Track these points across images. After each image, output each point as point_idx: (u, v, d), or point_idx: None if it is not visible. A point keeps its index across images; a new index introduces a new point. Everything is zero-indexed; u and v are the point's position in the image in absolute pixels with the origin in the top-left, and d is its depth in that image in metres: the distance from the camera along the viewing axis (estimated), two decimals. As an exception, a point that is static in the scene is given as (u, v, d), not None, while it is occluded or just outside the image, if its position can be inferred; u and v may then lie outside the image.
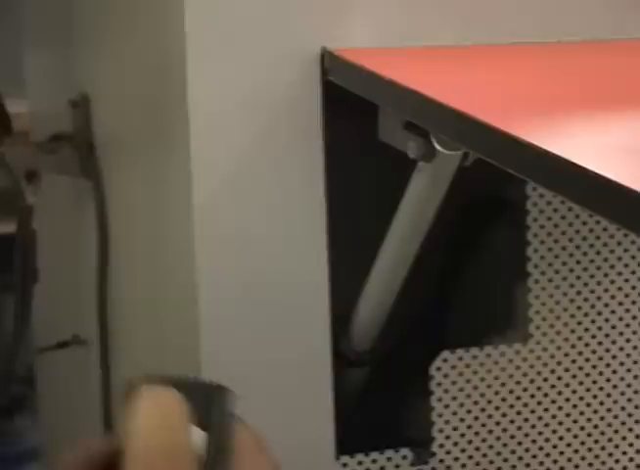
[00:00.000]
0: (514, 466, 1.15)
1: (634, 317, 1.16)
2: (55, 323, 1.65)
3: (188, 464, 0.67)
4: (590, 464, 1.17)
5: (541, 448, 1.15)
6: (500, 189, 1.13)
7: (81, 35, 1.41)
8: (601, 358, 1.16)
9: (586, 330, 1.15)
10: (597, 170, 0.61)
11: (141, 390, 0.70)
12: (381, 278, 1.09)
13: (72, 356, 1.53)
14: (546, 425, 1.15)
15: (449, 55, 1.06)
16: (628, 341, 1.16)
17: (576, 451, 1.17)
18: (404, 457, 1.12)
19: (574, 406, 1.16)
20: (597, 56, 1.10)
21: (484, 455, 1.14)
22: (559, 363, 1.15)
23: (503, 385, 1.13)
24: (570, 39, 1.11)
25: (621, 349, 1.16)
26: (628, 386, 1.17)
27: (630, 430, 1.18)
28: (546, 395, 1.15)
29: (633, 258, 1.15)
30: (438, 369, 1.12)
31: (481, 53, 1.08)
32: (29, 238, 1.51)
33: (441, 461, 1.13)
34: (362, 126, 1.03)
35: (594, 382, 1.16)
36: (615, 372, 1.16)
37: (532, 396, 1.14)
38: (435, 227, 1.06)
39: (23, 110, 1.72)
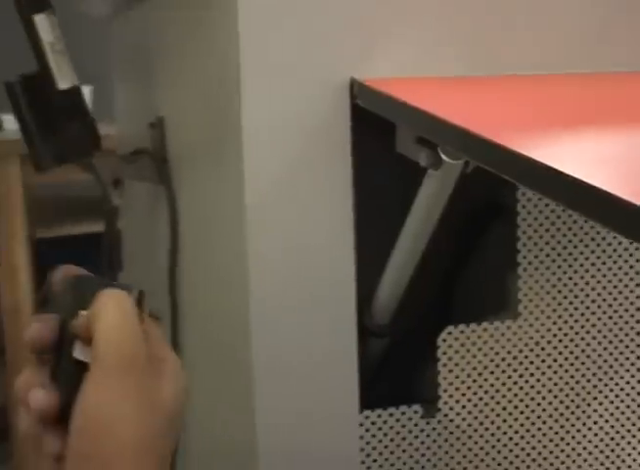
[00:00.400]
0: (504, 420, 1.15)
1: (602, 296, 1.16)
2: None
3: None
4: (567, 419, 1.17)
5: (527, 406, 1.16)
6: (495, 193, 1.13)
7: (157, 69, 1.42)
8: (577, 333, 1.16)
9: (565, 309, 1.15)
10: (575, 175, 0.62)
11: (100, 294, 0.71)
12: (397, 265, 1.11)
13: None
14: (532, 387, 1.15)
15: (459, 83, 1.06)
16: (599, 319, 1.16)
17: (556, 409, 1.17)
18: (415, 412, 1.12)
19: (555, 372, 1.16)
20: (596, 86, 1.09)
21: (480, 411, 1.14)
22: (542, 337, 1.15)
23: (497, 354, 1.14)
24: (572, 71, 1.11)
25: (594, 325, 1.16)
26: (599, 355, 1.17)
27: (600, 392, 1.18)
28: (532, 362, 1.15)
29: (609, 255, 1.15)
30: (444, 340, 1.12)
31: (488, 82, 1.07)
32: (115, 235, 1.51)
33: (445, 415, 1.13)
34: (383, 141, 1.04)
35: (571, 352, 1.16)
36: (588, 345, 1.16)
37: (521, 363, 1.15)
38: (442, 223, 1.07)
39: (112, 132, 1.73)
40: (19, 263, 2.09)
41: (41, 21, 1.28)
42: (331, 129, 1.04)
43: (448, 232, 1.11)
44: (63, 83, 1.29)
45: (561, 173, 0.64)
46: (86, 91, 2.22)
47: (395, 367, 1.18)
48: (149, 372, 0.69)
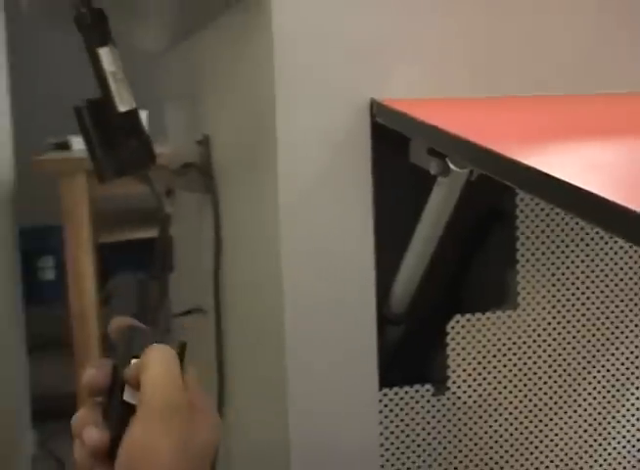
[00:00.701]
0: (505, 397, 1.14)
1: (591, 288, 1.15)
2: (184, 298, 1.66)
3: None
4: (560, 396, 1.16)
5: (525, 385, 1.15)
6: (497, 198, 1.12)
7: (204, 93, 1.42)
8: (569, 321, 1.15)
9: (559, 300, 1.14)
10: (567, 180, 0.62)
11: (149, 348, 0.73)
12: (412, 261, 1.11)
13: (195, 321, 1.54)
14: (529, 368, 1.15)
15: (465, 102, 1.05)
16: (588, 309, 1.15)
17: (550, 388, 1.16)
18: (428, 390, 1.12)
19: (549, 356, 1.15)
20: (592, 103, 1.09)
21: (485, 390, 1.14)
22: (538, 325, 1.14)
23: (499, 340, 1.13)
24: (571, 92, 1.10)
25: (583, 315, 1.15)
26: (588, 341, 1.16)
27: (589, 373, 1.17)
28: (529, 347, 1.14)
29: (596, 253, 1.14)
30: (453, 328, 1.12)
31: (492, 102, 1.07)
32: (167, 239, 1.52)
33: (454, 393, 1.12)
34: (399, 152, 1.04)
35: (564, 338, 1.15)
36: (579, 332, 1.15)
37: (519, 347, 1.14)
38: (450, 226, 1.06)
39: (165, 150, 1.74)
40: (85, 271, 2.10)
41: (105, 53, 1.29)
42: (354, 144, 1.04)
43: (456, 233, 1.10)
44: (122, 107, 1.30)
45: (554, 179, 0.64)
46: (143, 115, 2.22)
47: (410, 351, 1.18)
48: (187, 418, 0.71)
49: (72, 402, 2.28)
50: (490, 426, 1.14)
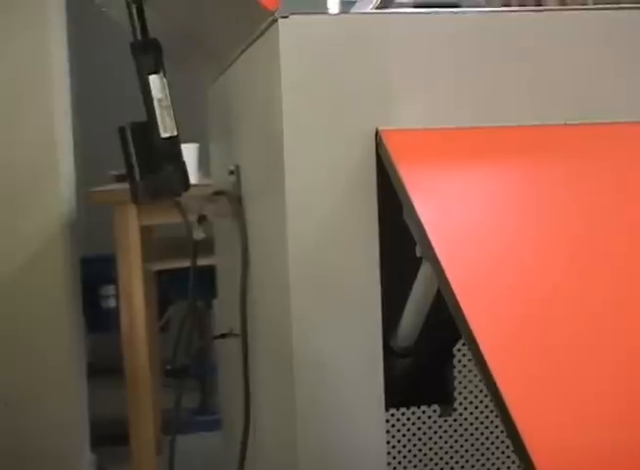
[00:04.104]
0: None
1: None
2: (225, 321, 1.72)
3: None
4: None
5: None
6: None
7: (236, 124, 1.49)
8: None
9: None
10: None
11: None
12: (419, 295, 1.13)
13: (227, 343, 1.59)
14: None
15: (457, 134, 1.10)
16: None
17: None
18: (434, 411, 1.16)
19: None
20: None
21: (491, 411, 1.17)
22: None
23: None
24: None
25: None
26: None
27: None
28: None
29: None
30: (459, 350, 1.15)
31: (489, 133, 1.11)
32: (195, 266, 1.57)
33: (460, 414, 1.16)
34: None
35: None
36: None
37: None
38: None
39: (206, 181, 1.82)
40: (135, 292, 2.20)
41: (154, 80, 1.39)
42: (360, 169, 1.08)
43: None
44: (164, 132, 1.39)
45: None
46: (194, 148, 2.32)
47: (417, 373, 1.22)
48: None
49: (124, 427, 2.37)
50: (497, 447, 1.18)
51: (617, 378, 0.78)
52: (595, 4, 1.32)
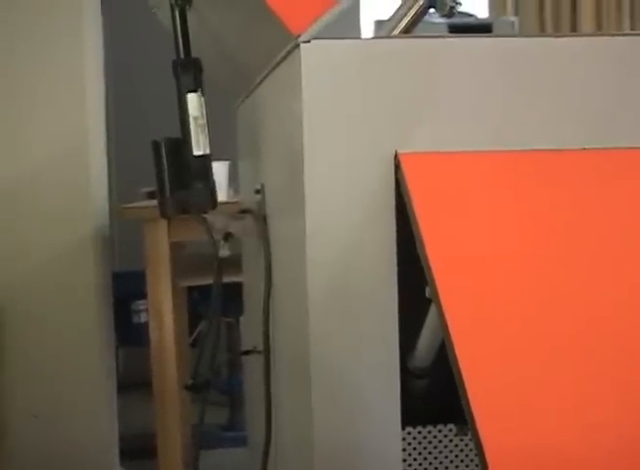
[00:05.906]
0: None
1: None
2: (252, 338, 1.74)
3: None
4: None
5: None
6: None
7: (262, 144, 1.52)
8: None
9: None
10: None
11: None
12: (435, 320, 1.12)
13: (252, 360, 1.61)
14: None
15: (476, 158, 1.12)
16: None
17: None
18: (450, 430, 1.17)
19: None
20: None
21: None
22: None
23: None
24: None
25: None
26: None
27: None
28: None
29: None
30: (475, 371, 1.16)
31: (508, 157, 1.13)
32: (218, 283, 1.58)
33: (476, 434, 1.17)
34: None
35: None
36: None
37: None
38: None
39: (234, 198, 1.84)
40: (164, 307, 2.24)
41: (192, 98, 1.42)
42: (379, 190, 1.11)
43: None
44: (197, 150, 1.42)
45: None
46: (225, 166, 2.36)
47: (433, 394, 1.23)
48: None
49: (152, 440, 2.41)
50: (512, 468, 1.19)
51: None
52: (632, 29, 1.34)
